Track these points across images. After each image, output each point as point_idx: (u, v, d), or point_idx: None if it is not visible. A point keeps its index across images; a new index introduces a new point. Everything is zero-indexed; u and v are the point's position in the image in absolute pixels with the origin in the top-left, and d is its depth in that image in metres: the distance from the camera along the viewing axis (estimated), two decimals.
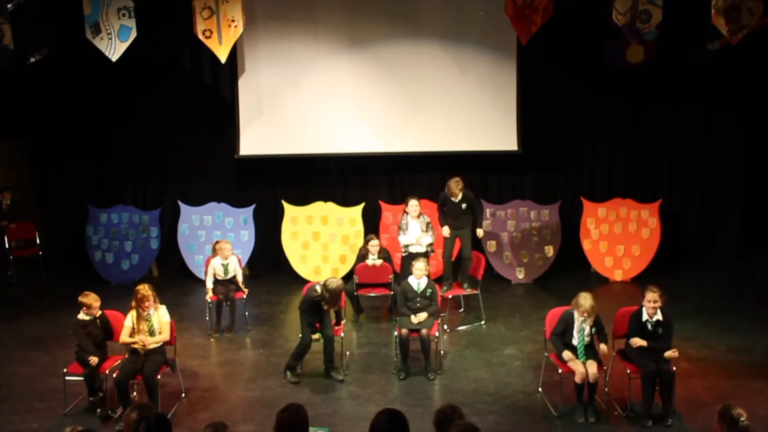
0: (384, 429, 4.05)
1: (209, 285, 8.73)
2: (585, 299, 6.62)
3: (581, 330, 6.60)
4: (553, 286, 10.27)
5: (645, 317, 6.53)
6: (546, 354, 6.98)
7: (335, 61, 10.76)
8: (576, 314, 6.64)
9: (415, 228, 9.09)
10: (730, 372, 7.38)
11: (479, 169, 11.28)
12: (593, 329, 6.60)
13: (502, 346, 8.26)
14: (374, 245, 9.05)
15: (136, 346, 6.65)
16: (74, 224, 11.29)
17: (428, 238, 9.07)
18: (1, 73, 8.77)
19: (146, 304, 6.72)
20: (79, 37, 9.07)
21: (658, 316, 6.51)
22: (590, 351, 6.59)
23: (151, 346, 6.70)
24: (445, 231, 9.11)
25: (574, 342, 6.62)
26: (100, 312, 6.86)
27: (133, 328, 6.69)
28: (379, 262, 8.97)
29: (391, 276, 9.02)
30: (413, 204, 9.15)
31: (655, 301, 6.47)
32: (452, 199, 9.04)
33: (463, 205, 9.07)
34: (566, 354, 6.55)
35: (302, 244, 10.81)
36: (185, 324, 8.95)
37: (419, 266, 7.69)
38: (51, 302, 9.98)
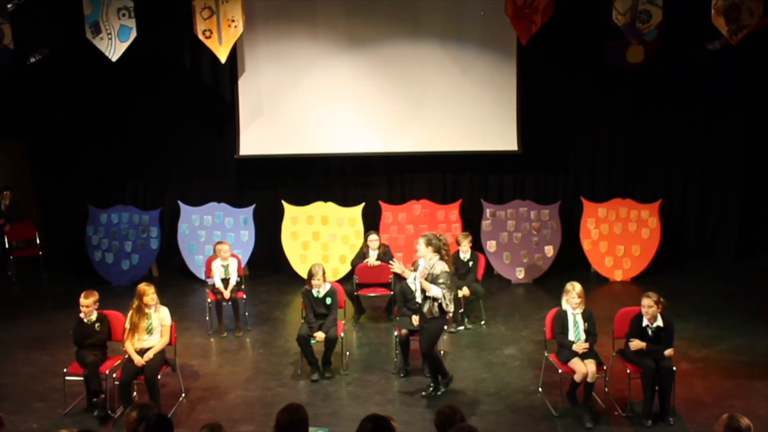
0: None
1: (219, 285, 8.70)
2: (573, 285, 6.69)
3: (576, 324, 6.62)
4: (553, 286, 10.23)
5: (645, 322, 6.52)
6: (546, 354, 6.97)
7: (335, 61, 10.76)
8: (568, 307, 6.66)
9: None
10: (730, 372, 7.37)
11: (479, 169, 11.29)
12: (586, 324, 6.61)
13: (502, 346, 8.25)
14: (373, 240, 9.08)
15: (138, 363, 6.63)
16: (74, 224, 11.30)
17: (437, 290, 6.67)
18: (1, 73, 8.77)
19: (146, 299, 6.71)
20: (79, 37, 9.08)
21: (659, 323, 6.48)
22: (590, 349, 6.60)
23: (153, 352, 6.69)
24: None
25: (571, 337, 6.63)
26: (95, 314, 6.86)
27: (132, 328, 6.68)
28: (377, 262, 8.98)
29: (391, 276, 9.01)
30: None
31: (649, 306, 6.44)
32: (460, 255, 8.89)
33: (470, 263, 8.93)
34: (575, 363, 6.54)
35: (302, 244, 10.81)
36: (185, 324, 8.95)
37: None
38: (51, 302, 10.00)
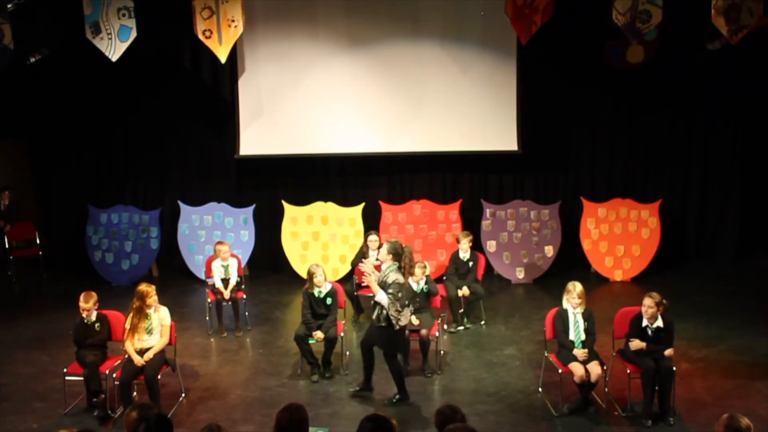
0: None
1: (219, 285, 8.70)
2: (574, 285, 6.72)
3: (576, 324, 6.64)
4: (553, 286, 10.23)
5: (645, 323, 6.52)
6: (546, 354, 6.97)
7: (335, 61, 10.76)
8: (569, 307, 6.68)
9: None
10: (730, 372, 7.38)
11: (479, 169, 11.29)
12: (586, 323, 6.61)
13: (502, 346, 8.25)
14: (373, 240, 9.09)
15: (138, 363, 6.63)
16: (74, 224, 11.30)
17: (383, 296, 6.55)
18: (1, 73, 8.77)
19: (149, 300, 6.72)
20: (79, 37, 9.08)
21: (659, 323, 6.48)
22: (590, 349, 6.60)
23: (153, 352, 6.69)
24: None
25: (572, 337, 6.65)
26: (95, 314, 6.86)
27: (132, 328, 6.69)
28: (377, 262, 8.97)
29: None
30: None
31: (650, 307, 6.45)
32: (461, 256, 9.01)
33: (470, 263, 9.00)
34: (574, 365, 6.54)
35: (302, 244, 10.81)
36: (185, 324, 8.95)
37: (419, 269, 7.69)
38: (51, 302, 10.00)
